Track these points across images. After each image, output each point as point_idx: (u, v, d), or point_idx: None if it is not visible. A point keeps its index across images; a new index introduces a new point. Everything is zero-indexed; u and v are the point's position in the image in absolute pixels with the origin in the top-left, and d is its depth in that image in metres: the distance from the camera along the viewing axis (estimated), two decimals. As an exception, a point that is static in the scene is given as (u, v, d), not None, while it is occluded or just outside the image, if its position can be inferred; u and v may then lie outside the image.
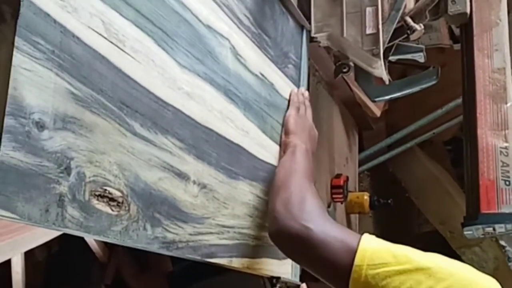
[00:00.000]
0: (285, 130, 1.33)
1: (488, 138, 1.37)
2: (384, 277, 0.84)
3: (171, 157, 0.89)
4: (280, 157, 1.28)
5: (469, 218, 1.39)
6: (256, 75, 1.22)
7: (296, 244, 0.97)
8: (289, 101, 1.38)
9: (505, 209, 1.33)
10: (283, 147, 1.31)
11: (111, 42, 0.76)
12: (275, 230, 1.03)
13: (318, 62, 1.83)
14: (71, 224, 0.68)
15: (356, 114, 2.36)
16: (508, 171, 1.35)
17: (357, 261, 0.87)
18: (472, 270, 0.87)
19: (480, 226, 1.37)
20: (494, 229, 1.37)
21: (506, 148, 1.37)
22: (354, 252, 0.88)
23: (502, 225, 1.36)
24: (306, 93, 1.43)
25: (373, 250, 0.88)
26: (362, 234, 0.93)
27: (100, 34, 0.74)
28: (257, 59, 1.24)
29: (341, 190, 1.97)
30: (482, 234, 1.41)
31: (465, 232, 1.40)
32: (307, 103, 1.40)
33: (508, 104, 1.40)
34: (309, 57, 1.54)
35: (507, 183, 1.34)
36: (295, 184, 1.08)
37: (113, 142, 0.76)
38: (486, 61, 1.45)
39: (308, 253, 0.95)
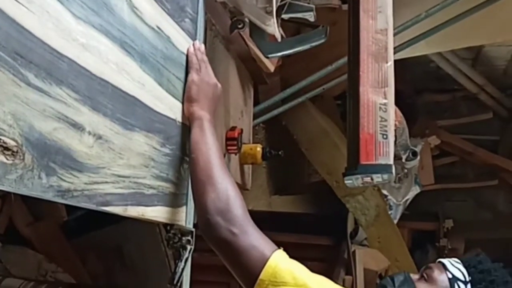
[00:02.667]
0: (188, 97, 1.35)
1: (369, 95, 1.47)
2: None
3: (66, 108, 0.90)
4: (189, 129, 1.32)
5: (349, 168, 1.49)
6: (152, 28, 1.23)
7: (222, 246, 1.10)
8: (187, 61, 1.39)
9: (381, 161, 1.45)
10: (187, 116, 1.35)
11: (5, -8, 0.75)
12: (206, 230, 1.14)
13: (214, 16, 1.85)
14: (-35, 173, 0.69)
15: (251, 69, 2.41)
16: (386, 126, 1.46)
17: (262, 275, 1.02)
18: None
19: (359, 176, 1.47)
20: (371, 179, 1.49)
21: (385, 104, 1.47)
22: (265, 265, 1.03)
23: (379, 175, 1.47)
24: (202, 47, 1.45)
25: (279, 268, 1.03)
26: (277, 249, 1.07)
27: (-7, -16, 0.73)
28: (153, 12, 1.24)
29: (235, 142, 2.03)
30: (362, 183, 1.52)
31: (345, 181, 1.51)
32: (205, 58, 1.42)
33: (388, 64, 1.50)
34: (206, 11, 1.56)
35: (385, 136, 1.45)
36: (218, 179, 1.17)
37: (7, 92, 0.76)
38: (370, 22, 1.53)
39: (230, 256, 1.09)
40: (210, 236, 1.12)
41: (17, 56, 0.78)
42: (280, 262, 1.04)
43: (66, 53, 0.90)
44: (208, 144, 1.25)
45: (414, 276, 1.29)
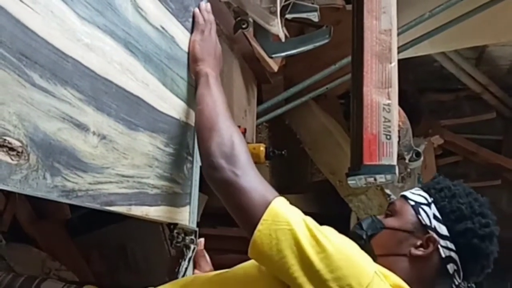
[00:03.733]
0: (192, 57, 1.36)
1: (373, 95, 1.47)
2: (283, 233, 1.01)
3: (71, 108, 0.90)
4: (196, 86, 1.32)
5: (353, 168, 1.49)
6: (156, 28, 1.24)
7: (225, 187, 1.10)
8: (193, 21, 1.40)
9: (385, 161, 1.44)
10: (194, 75, 1.36)
11: (10, -7, 0.75)
12: (209, 172, 1.14)
13: (218, 16, 1.84)
14: (-30, 173, 0.69)
15: (255, 68, 2.41)
16: (389, 126, 1.46)
17: (265, 215, 1.03)
18: (356, 250, 1.03)
19: (362, 176, 1.47)
20: (375, 179, 1.49)
21: (388, 105, 1.47)
22: (267, 207, 1.04)
23: (382, 175, 1.47)
24: (209, 6, 1.45)
25: (282, 211, 1.04)
26: (278, 195, 1.09)
27: (-2, -15, 0.73)
28: (157, 12, 1.25)
29: (238, 141, 2.02)
30: (365, 184, 1.52)
31: (349, 182, 1.51)
32: (211, 18, 1.43)
33: (392, 64, 1.50)
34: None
35: (388, 137, 1.45)
36: (224, 126, 1.18)
37: (12, 93, 0.76)
38: (374, 23, 1.53)
39: (232, 196, 1.09)
40: (213, 178, 1.13)
41: (22, 57, 0.78)
42: (282, 205, 1.06)
43: (70, 53, 0.90)
44: (214, 96, 1.26)
45: (380, 217, 1.27)
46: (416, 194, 1.23)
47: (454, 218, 1.17)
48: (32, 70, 0.80)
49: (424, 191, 1.24)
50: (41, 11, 0.83)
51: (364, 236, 1.20)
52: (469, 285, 1.21)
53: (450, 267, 1.16)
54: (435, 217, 1.18)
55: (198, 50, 1.36)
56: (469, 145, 4.51)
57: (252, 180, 1.09)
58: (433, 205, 1.20)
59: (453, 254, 1.16)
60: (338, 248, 1.00)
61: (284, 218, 1.02)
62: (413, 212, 1.20)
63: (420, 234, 1.18)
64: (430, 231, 1.17)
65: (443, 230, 1.17)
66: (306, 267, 0.98)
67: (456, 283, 1.18)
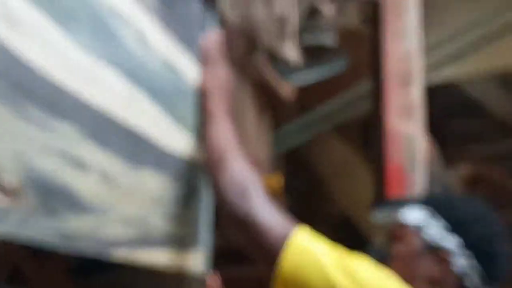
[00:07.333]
0: (200, 90, 1.35)
1: (395, 123, 1.45)
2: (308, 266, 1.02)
3: (70, 145, 0.88)
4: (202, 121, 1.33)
5: (376, 202, 1.46)
6: (162, 60, 1.22)
7: (239, 224, 1.11)
8: (202, 54, 1.39)
9: (410, 194, 1.42)
10: (202, 112, 1.35)
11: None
12: (223, 209, 1.16)
13: (229, 43, 1.83)
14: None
15: (267, 96, 2.40)
16: (414, 156, 1.43)
17: (288, 249, 1.04)
18: (386, 277, 1.04)
19: (386, 210, 1.44)
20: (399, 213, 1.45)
21: (412, 133, 1.45)
22: (286, 241, 1.05)
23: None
24: (218, 36, 1.45)
25: (304, 244, 1.05)
26: (297, 225, 1.09)
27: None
28: (163, 44, 1.23)
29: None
30: (389, 218, 1.49)
31: (372, 217, 1.48)
32: (222, 49, 1.43)
33: (416, 89, 1.48)
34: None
35: (413, 168, 1.42)
36: (233, 161, 1.19)
37: (7, 128, 0.75)
38: (395, 45, 1.52)
39: (248, 233, 1.10)
40: (227, 215, 1.14)
41: (18, 90, 0.77)
42: (304, 238, 1.06)
43: (70, 86, 0.89)
44: (219, 131, 1.26)
45: (381, 245, 1.31)
46: (414, 214, 1.24)
47: (461, 230, 1.17)
48: (28, 104, 0.79)
49: (421, 209, 1.23)
50: (39, 42, 0.82)
51: None
52: None
53: (467, 280, 1.16)
54: (440, 234, 1.18)
55: (205, 83, 1.36)
56: (498, 174, 4.46)
57: (267, 215, 1.10)
58: (435, 222, 1.20)
59: (467, 266, 1.16)
60: (369, 276, 1.01)
61: (308, 251, 1.03)
62: (416, 233, 1.20)
63: (429, 254, 1.18)
64: (439, 250, 1.17)
65: (452, 245, 1.17)
66: None
67: None
